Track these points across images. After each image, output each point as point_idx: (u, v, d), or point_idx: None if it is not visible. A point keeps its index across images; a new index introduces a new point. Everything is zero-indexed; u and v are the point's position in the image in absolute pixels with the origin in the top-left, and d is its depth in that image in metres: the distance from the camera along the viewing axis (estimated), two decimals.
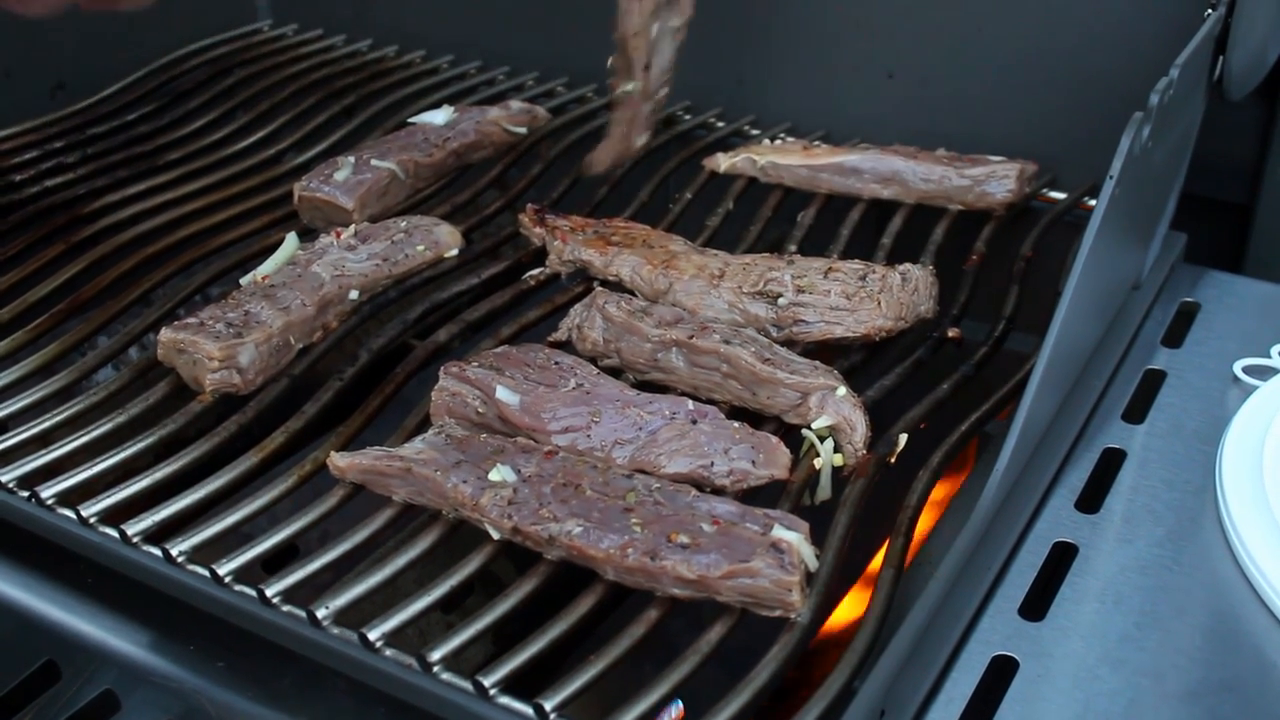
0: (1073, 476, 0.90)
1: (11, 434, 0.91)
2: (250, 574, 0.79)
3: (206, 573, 0.78)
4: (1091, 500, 0.88)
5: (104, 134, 1.35)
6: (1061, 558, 0.84)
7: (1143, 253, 1.06)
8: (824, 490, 0.85)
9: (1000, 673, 0.76)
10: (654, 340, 0.93)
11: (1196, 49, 0.95)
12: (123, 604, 0.83)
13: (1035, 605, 0.80)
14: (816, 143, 1.26)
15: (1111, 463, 0.91)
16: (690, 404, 0.86)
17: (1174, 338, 1.04)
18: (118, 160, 1.29)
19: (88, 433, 0.90)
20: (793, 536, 0.73)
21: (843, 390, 0.88)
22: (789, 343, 0.96)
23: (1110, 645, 0.77)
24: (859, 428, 0.86)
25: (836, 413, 0.87)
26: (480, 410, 0.88)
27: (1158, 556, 0.83)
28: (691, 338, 0.91)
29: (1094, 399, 0.96)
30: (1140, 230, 1.03)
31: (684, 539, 0.74)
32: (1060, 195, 1.17)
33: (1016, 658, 0.76)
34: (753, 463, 0.83)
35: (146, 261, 1.11)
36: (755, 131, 1.34)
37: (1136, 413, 0.96)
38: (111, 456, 0.88)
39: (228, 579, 0.78)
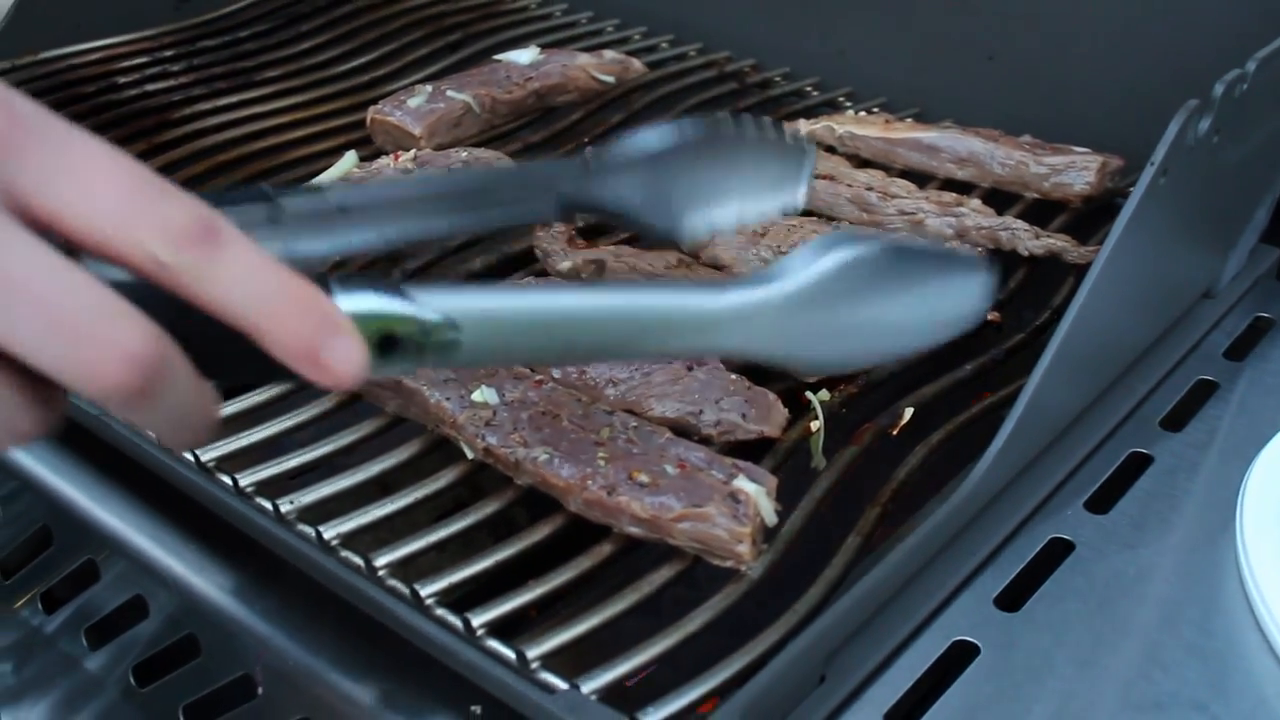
0: (1090, 475, 0.85)
1: None
2: (234, 463, 0.80)
3: (191, 456, 0.80)
4: (1103, 501, 0.83)
5: (213, 48, 1.38)
6: (1056, 554, 0.80)
7: (1217, 260, 1.00)
8: (817, 455, 0.83)
9: (960, 658, 0.72)
10: None
11: None
12: (112, 474, 0.86)
13: (1014, 597, 0.76)
14: (908, 119, 1.23)
15: (1136, 467, 0.87)
16: None
17: (1238, 351, 0.98)
18: (219, 73, 1.32)
19: None
20: (753, 488, 0.71)
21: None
22: None
23: (1083, 647, 0.73)
24: None
25: None
26: None
27: (1158, 566, 0.78)
28: None
29: (1134, 402, 0.91)
30: (1208, 233, 0.97)
31: (644, 478, 0.72)
32: None
33: (979, 644, 0.73)
34: (743, 416, 0.81)
35: (217, 168, 1.14)
36: (848, 104, 1.31)
37: (1176, 421, 0.91)
38: None
39: (210, 465, 0.79)
